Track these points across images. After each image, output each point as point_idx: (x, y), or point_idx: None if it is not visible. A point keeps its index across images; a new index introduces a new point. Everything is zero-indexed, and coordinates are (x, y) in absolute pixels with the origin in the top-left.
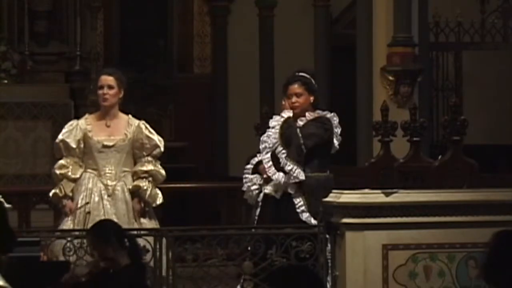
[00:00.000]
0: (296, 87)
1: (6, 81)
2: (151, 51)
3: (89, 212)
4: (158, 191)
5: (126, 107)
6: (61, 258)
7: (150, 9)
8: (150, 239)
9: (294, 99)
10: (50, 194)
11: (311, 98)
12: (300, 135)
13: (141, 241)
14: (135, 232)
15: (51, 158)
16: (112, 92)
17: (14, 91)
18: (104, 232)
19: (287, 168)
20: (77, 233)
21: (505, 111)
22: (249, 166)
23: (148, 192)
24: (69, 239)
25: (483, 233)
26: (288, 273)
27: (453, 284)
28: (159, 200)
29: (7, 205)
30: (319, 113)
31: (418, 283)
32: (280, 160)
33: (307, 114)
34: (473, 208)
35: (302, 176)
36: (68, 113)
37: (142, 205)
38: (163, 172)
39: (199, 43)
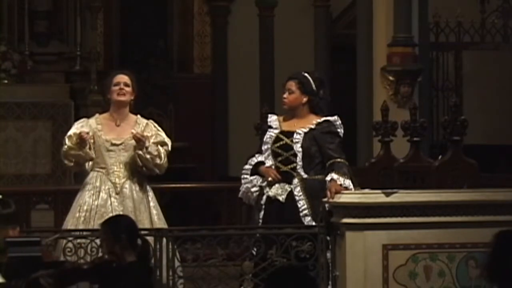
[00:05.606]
0: (291, 83)
1: (6, 81)
2: (151, 51)
3: (96, 212)
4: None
5: None
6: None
7: (150, 9)
8: (150, 239)
9: (285, 94)
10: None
11: (304, 99)
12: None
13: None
14: None
15: (51, 158)
16: (128, 89)
17: (14, 91)
18: (116, 228)
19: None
20: (77, 233)
21: (505, 111)
22: (247, 166)
23: (154, 151)
24: (70, 239)
25: (483, 233)
26: (280, 275)
27: (453, 284)
28: (163, 165)
29: None
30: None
31: (418, 283)
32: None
33: (312, 120)
34: (473, 208)
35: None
36: (68, 113)
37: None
38: (165, 164)
39: (199, 43)
